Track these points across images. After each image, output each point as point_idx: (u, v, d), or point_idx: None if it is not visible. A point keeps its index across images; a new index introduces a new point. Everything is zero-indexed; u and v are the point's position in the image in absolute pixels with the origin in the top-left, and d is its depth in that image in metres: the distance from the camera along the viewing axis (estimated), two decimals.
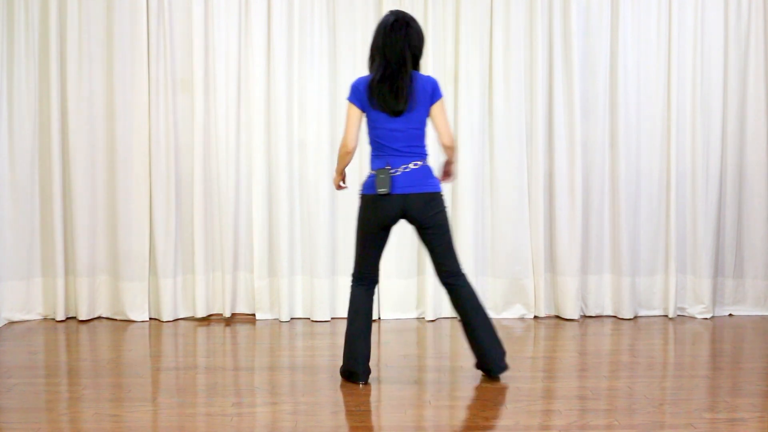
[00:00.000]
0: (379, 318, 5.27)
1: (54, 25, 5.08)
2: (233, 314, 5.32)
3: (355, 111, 3.74)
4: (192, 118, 5.19)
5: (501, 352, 3.86)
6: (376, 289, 3.92)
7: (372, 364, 4.24)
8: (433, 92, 3.71)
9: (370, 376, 3.87)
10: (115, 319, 5.23)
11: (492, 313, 5.25)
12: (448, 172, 3.95)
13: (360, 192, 3.81)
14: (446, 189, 5.24)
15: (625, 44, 5.26)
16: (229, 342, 4.77)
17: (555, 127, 5.24)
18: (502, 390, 3.71)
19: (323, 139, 5.21)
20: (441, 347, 4.66)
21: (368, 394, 3.70)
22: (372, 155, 3.81)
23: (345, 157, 3.81)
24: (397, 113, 3.68)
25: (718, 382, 3.85)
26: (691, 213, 5.32)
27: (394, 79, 3.66)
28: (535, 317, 5.30)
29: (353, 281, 3.88)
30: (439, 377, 3.94)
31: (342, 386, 3.78)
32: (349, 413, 3.40)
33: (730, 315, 5.40)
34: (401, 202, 3.71)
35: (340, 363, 4.06)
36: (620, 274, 5.27)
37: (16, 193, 5.16)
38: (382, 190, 3.69)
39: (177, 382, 3.88)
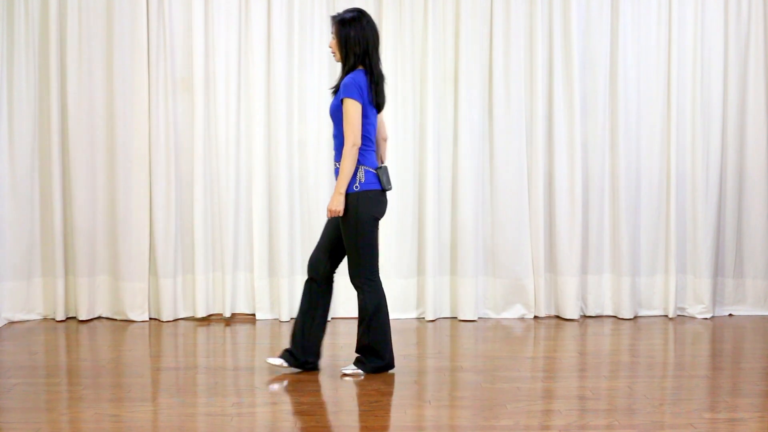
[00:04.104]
0: None
1: (54, 25, 5.08)
2: (233, 314, 5.31)
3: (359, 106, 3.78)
4: (192, 118, 5.18)
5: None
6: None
7: None
8: None
9: (369, 376, 3.87)
10: (115, 319, 5.23)
11: (492, 313, 5.27)
12: None
13: (361, 190, 3.76)
14: (446, 188, 5.28)
15: (625, 44, 5.26)
16: (229, 342, 4.77)
17: (555, 127, 5.23)
18: (502, 390, 3.71)
19: (323, 139, 5.21)
20: (441, 347, 4.66)
21: (368, 394, 3.70)
22: (363, 150, 3.80)
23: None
24: (379, 108, 3.86)
25: (718, 382, 3.85)
26: (691, 213, 5.32)
27: (379, 74, 3.82)
28: (535, 317, 5.29)
29: (374, 281, 3.85)
30: (439, 377, 3.94)
31: (342, 386, 3.78)
32: (349, 413, 3.40)
33: (730, 315, 5.40)
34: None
35: (340, 363, 4.06)
36: (620, 274, 5.27)
37: (16, 193, 5.15)
38: (389, 187, 3.80)
39: (177, 382, 3.88)
